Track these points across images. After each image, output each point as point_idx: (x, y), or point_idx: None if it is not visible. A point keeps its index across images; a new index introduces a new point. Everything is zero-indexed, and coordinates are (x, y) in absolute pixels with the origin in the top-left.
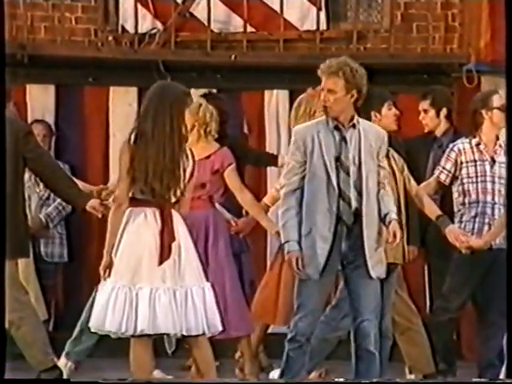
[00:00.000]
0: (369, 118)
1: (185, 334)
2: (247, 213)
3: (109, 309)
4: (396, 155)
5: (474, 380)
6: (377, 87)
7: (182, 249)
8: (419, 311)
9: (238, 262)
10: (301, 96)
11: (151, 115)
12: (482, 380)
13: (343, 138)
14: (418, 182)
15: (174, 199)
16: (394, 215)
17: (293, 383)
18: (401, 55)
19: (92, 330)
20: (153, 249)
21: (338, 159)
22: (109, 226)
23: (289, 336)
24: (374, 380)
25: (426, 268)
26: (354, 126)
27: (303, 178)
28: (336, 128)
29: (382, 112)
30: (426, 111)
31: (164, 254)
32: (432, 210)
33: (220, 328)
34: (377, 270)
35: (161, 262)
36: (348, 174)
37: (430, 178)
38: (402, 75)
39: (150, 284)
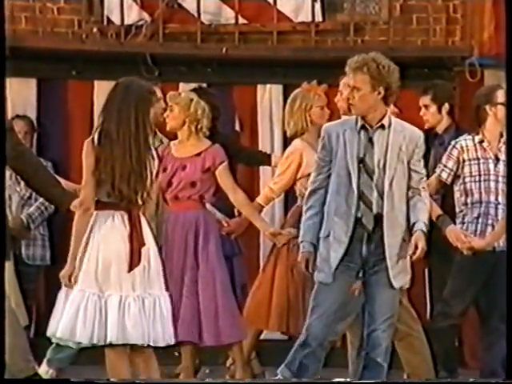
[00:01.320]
0: None
1: (152, 344)
2: (239, 213)
3: (79, 318)
4: None
5: (474, 380)
6: None
7: (151, 254)
8: (419, 317)
9: (230, 265)
10: (296, 91)
11: (115, 115)
12: (482, 380)
13: (370, 139)
14: None
15: (140, 202)
16: (421, 225)
17: (292, 383)
18: (400, 48)
19: (58, 341)
20: (122, 254)
21: (361, 161)
22: (74, 231)
23: (301, 339)
24: (373, 381)
25: (426, 271)
26: (382, 126)
27: (328, 177)
28: (363, 128)
29: None
30: (426, 107)
31: (134, 259)
32: (432, 209)
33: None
34: (399, 280)
35: (131, 269)
36: (371, 177)
37: (430, 176)
38: (401, 69)
39: (120, 291)
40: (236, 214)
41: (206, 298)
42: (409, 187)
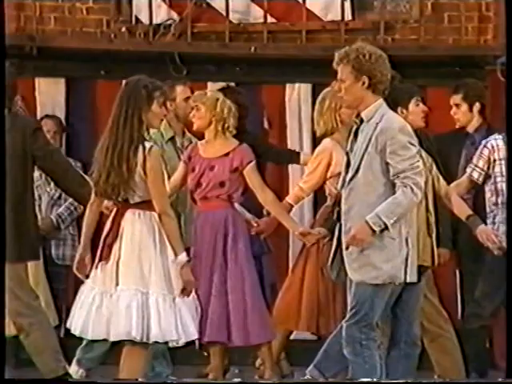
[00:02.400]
0: None
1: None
2: (268, 213)
3: (133, 318)
4: (424, 153)
5: (474, 380)
6: (405, 81)
7: (123, 252)
8: (450, 317)
9: (259, 265)
10: (325, 90)
11: (112, 112)
12: (482, 380)
13: (355, 132)
14: (450, 181)
15: (123, 198)
16: (370, 216)
17: (292, 383)
18: (431, 47)
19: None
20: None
21: (347, 154)
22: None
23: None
24: (375, 380)
25: (457, 272)
26: (368, 118)
27: None
28: (359, 121)
29: (409, 108)
30: (457, 106)
31: (102, 254)
32: (462, 209)
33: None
34: (362, 274)
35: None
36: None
37: (461, 176)
38: (432, 68)
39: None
40: (265, 213)
41: (235, 297)
42: (387, 181)
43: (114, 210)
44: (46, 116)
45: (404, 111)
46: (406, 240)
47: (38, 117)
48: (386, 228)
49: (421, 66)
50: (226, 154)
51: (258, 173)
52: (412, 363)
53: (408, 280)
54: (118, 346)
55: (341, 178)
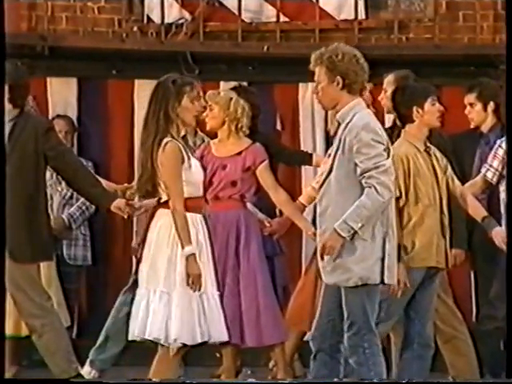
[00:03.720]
0: (410, 114)
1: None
2: (281, 213)
3: (195, 320)
4: (438, 154)
5: (474, 380)
6: (420, 80)
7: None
8: (465, 319)
9: (271, 265)
10: None
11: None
12: (482, 380)
13: (335, 134)
14: (464, 181)
15: (162, 198)
16: (339, 224)
17: (293, 383)
18: (446, 46)
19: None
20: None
21: (329, 156)
22: None
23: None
24: (375, 380)
25: (472, 273)
26: (343, 119)
27: None
28: (337, 122)
29: (425, 107)
30: (472, 105)
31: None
32: (477, 211)
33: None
34: (335, 277)
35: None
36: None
37: (476, 176)
38: (447, 67)
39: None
40: (278, 213)
41: (248, 298)
42: (356, 182)
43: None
44: (58, 116)
45: (420, 110)
46: (384, 241)
47: (50, 116)
48: (356, 232)
49: (435, 65)
50: (239, 153)
51: (271, 172)
52: (425, 365)
53: (386, 281)
54: (130, 347)
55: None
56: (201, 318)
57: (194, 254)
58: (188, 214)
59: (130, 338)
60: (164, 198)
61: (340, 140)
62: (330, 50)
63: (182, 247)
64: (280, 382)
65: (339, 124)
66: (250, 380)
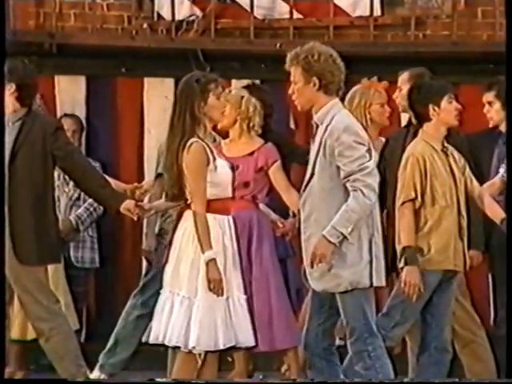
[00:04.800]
0: (427, 113)
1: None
2: (294, 214)
3: (218, 325)
4: (456, 154)
5: (474, 380)
6: (436, 78)
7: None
8: (483, 323)
9: (284, 268)
10: (355, 87)
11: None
12: (482, 380)
13: (313, 136)
14: (482, 182)
15: (189, 199)
16: (328, 230)
17: (293, 383)
18: (464, 43)
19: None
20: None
21: (307, 162)
22: None
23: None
24: (374, 380)
25: (490, 276)
26: (321, 121)
27: None
28: (315, 124)
29: (442, 105)
30: (490, 104)
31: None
32: (496, 212)
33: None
34: (324, 283)
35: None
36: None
37: (494, 177)
38: (465, 65)
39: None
40: (291, 214)
41: (260, 301)
42: (338, 185)
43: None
44: (65, 115)
45: (436, 109)
46: (370, 243)
47: (58, 115)
48: (345, 238)
49: (453, 62)
50: (251, 154)
51: (284, 173)
52: (443, 370)
53: (374, 284)
54: (140, 351)
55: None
56: (227, 323)
57: (214, 259)
58: (213, 216)
59: (151, 342)
60: (190, 199)
61: (320, 143)
62: (306, 49)
63: (203, 252)
64: (280, 382)
65: (317, 126)
66: (255, 380)
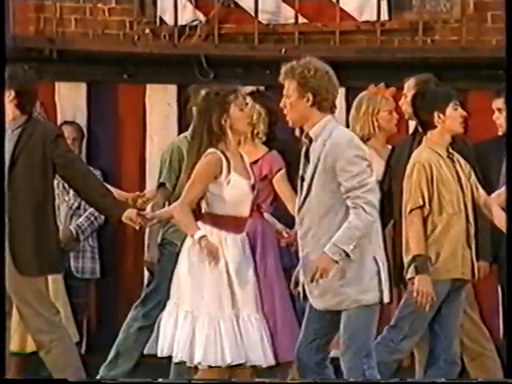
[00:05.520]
0: (431, 120)
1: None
2: None
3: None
4: (462, 161)
5: (474, 380)
6: (445, 84)
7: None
8: (492, 335)
9: (289, 278)
10: (362, 94)
11: None
12: (482, 380)
13: (306, 153)
14: (491, 191)
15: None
16: (329, 248)
17: (293, 383)
18: (473, 48)
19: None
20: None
21: (302, 179)
22: None
23: None
24: (374, 380)
25: (499, 287)
26: (316, 136)
27: None
28: (306, 141)
29: (447, 112)
30: (500, 110)
31: None
32: (503, 221)
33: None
34: (325, 301)
35: None
36: (306, 194)
37: (503, 186)
38: (474, 71)
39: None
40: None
41: (265, 313)
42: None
43: None
44: (65, 122)
45: (441, 116)
46: (375, 259)
47: (58, 123)
48: (347, 255)
49: (461, 68)
50: (255, 162)
51: (288, 181)
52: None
53: (378, 300)
54: (141, 363)
55: (296, 202)
56: (236, 340)
57: (205, 236)
58: (226, 235)
59: (159, 355)
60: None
61: (319, 158)
62: (303, 64)
63: (192, 236)
64: (280, 382)
65: (310, 142)
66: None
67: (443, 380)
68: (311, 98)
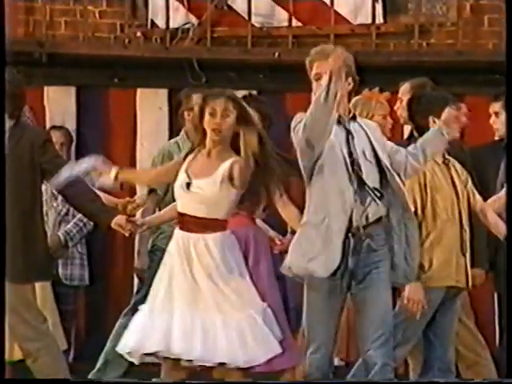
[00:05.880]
0: (427, 125)
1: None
2: (293, 230)
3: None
4: (458, 166)
5: (474, 380)
6: (441, 89)
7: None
8: (488, 343)
9: (282, 286)
10: (355, 98)
11: None
12: (482, 380)
13: (348, 131)
14: (487, 197)
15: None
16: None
17: (291, 383)
18: (469, 52)
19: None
20: None
21: (350, 154)
22: None
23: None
24: (374, 380)
25: (496, 295)
26: (354, 117)
27: None
28: (339, 121)
29: (442, 117)
30: (497, 114)
31: None
32: (500, 228)
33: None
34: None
35: None
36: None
37: (499, 191)
38: (470, 75)
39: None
40: (289, 231)
41: None
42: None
43: None
44: (53, 127)
45: (436, 120)
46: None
47: (47, 127)
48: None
49: (458, 72)
50: None
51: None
52: None
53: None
54: (130, 371)
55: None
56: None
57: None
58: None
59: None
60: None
61: (373, 139)
62: (337, 48)
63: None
64: (280, 382)
65: (345, 122)
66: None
67: (442, 380)
68: (352, 82)
